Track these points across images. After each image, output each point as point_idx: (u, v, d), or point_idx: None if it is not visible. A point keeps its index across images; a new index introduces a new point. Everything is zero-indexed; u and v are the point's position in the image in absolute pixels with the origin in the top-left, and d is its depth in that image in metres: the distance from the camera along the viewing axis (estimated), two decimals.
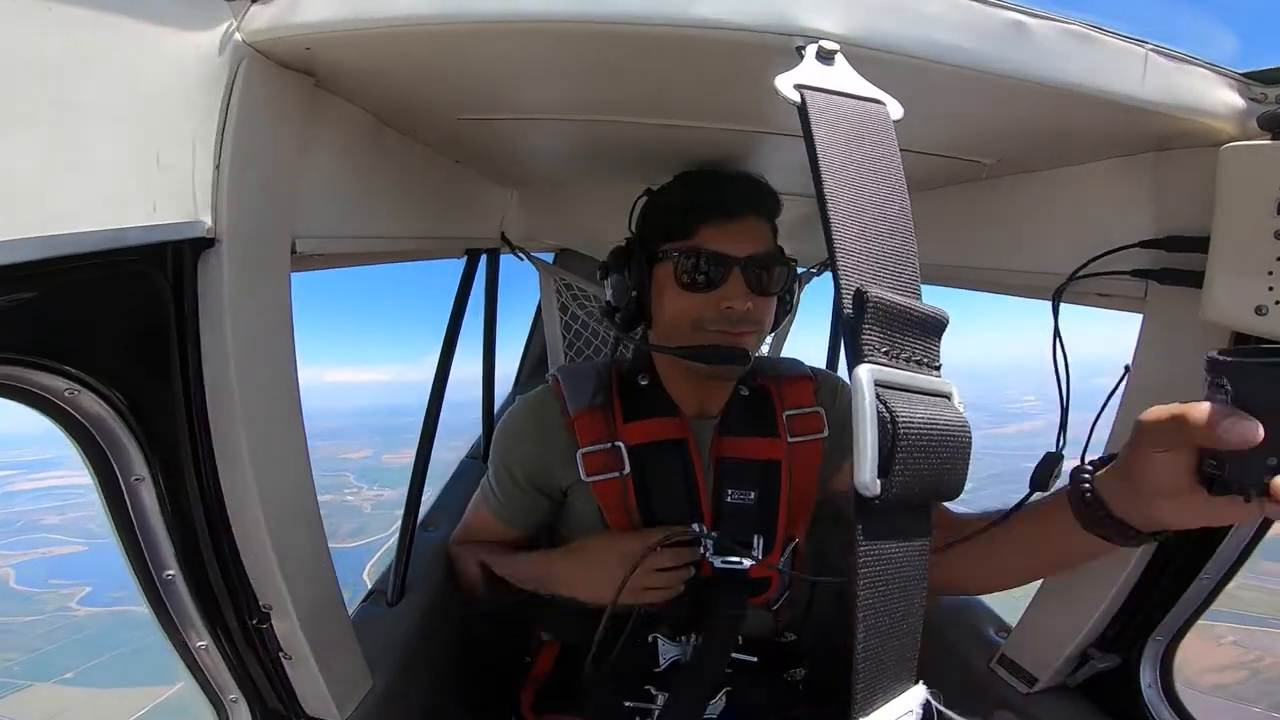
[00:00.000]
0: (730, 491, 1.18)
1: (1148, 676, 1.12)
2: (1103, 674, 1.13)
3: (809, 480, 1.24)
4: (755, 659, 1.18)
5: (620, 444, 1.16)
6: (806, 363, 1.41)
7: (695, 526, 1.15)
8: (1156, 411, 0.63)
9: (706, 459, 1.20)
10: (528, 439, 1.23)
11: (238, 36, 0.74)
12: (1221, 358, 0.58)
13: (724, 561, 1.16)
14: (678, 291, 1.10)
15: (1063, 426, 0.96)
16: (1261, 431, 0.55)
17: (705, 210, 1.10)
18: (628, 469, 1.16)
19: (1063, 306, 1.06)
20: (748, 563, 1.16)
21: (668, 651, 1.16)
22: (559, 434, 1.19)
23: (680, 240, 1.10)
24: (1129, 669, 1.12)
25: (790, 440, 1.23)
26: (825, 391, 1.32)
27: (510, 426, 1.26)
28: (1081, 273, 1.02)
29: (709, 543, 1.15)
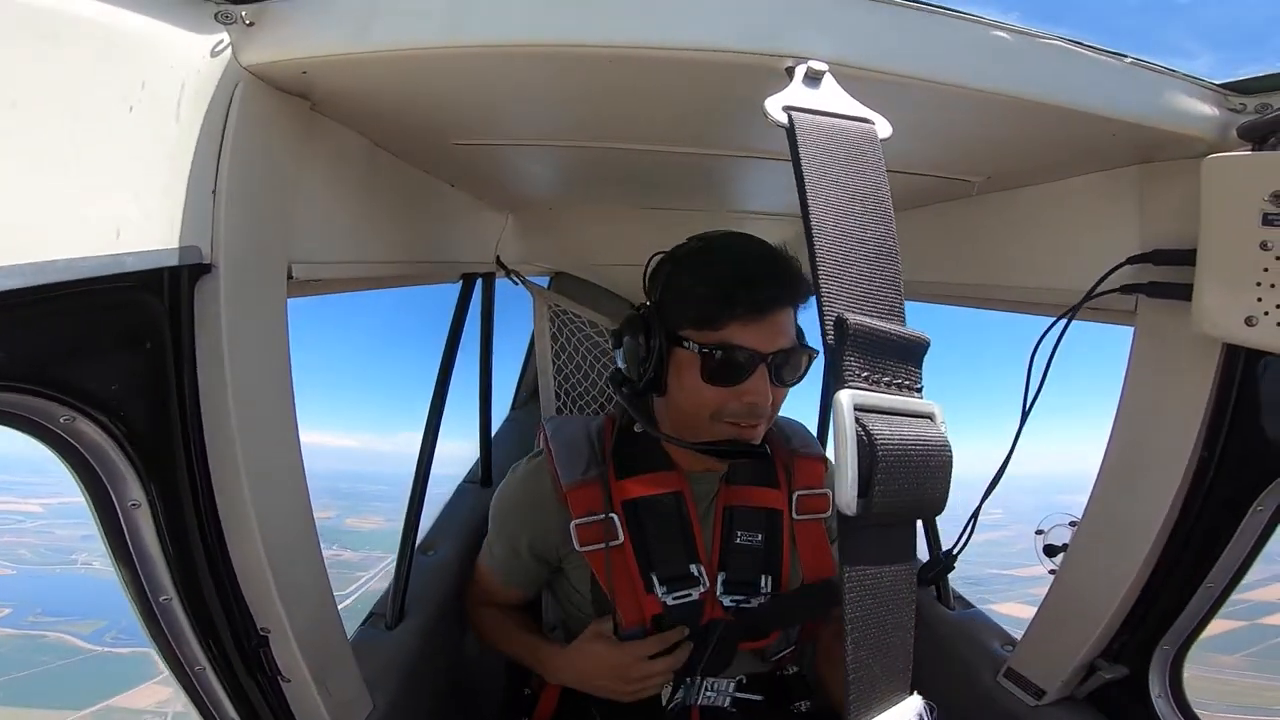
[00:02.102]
0: (740, 533, 1.22)
1: (1156, 687, 1.10)
2: (1111, 685, 1.12)
3: (819, 559, 1.25)
4: (760, 697, 1.19)
5: (614, 515, 1.18)
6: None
7: (693, 568, 1.18)
8: None
9: (707, 508, 1.23)
10: (523, 512, 1.25)
11: (234, 61, 0.75)
12: None
13: (732, 600, 1.18)
14: (700, 383, 1.08)
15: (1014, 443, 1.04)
16: None
17: (737, 306, 1.05)
18: (621, 538, 1.17)
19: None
20: (756, 601, 1.19)
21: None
22: (552, 506, 1.21)
23: (708, 331, 1.06)
24: (1138, 679, 1.11)
25: (796, 517, 1.26)
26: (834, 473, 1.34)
27: (506, 497, 1.29)
28: (1072, 289, 1.01)
29: (718, 584, 1.18)
